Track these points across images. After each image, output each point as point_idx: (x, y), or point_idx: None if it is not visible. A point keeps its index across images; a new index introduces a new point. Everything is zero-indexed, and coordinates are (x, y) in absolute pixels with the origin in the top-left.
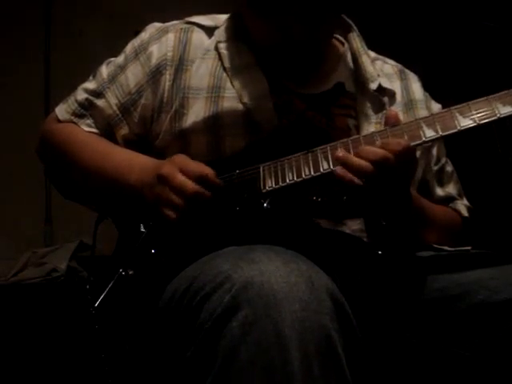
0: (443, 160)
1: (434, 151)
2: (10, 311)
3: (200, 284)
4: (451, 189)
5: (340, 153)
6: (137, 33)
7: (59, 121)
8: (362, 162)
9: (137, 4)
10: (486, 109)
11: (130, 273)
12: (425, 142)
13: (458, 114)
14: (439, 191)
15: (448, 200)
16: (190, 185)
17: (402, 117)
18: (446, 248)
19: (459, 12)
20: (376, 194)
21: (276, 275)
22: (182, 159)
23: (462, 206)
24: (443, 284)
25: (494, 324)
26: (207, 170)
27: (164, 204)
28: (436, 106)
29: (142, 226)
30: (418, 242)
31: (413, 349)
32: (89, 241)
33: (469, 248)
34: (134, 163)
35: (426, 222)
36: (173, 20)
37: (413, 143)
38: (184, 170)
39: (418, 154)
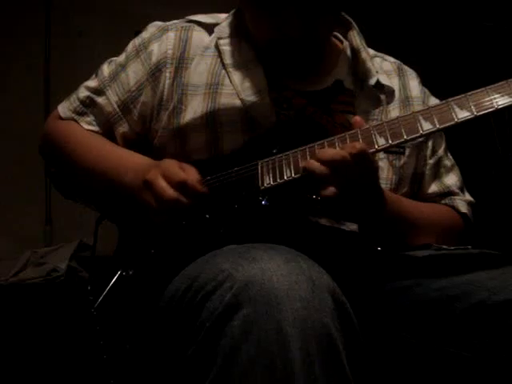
0: (440, 153)
1: (430, 143)
2: (10, 311)
3: (201, 283)
4: (449, 181)
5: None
6: (137, 33)
7: (61, 118)
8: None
9: (137, 4)
10: (483, 100)
11: (130, 273)
12: (377, 151)
13: (455, 106)
14: (434, 186)
15: (444, 195)
16: (168, 191)
17: (398, 113)
18: (445, 247)
19: (459, 12)
20: (341, 196)
21: (277, 274)
22: (167, 164)
23: (461, 201)
24: (442, 284)
25: (492, 325)
26: (190, 177)
27: (148, 208)
28: (435, 102)
29: (140, 227)
30: (407, 245)
31: (412, 349)
32: (89, 241)
33: (468, 247)
34: (129, 163)
35: (412, 225)
36: (173, 20)
37: (370, 150)
38: (166, 176)
39: (407, 151)
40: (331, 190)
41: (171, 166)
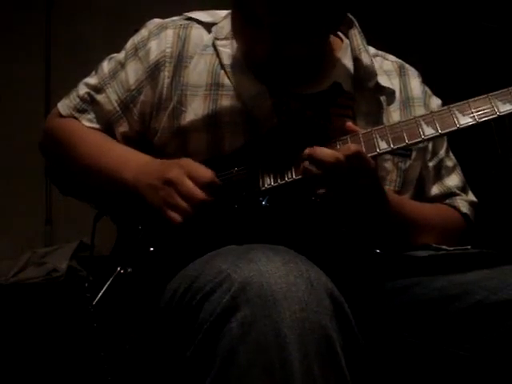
0: (441, 155)
1: (430, 147)
2: (10, 311)
3: (200, 283)
4: (451, 182)
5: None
6: (136, 32)
7: (61, 116)
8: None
9: (137, 4)
10: (485, 107)
11: (129, 270)
12: (379, 154)
13: (457, 112)
14: (435, 188)
15: (445, 196)
16: (199, 192)
17: (398, 114)
18: (444, 247)
19: (459, 12)
20: (338, 198)
21: (275, 275)
22: (189, 163)
23: (463, 201)
24: (442, 284)
25: (492, 324)
26: (214, 177)
27: (170, 207)
28: (436, 102)
29: (139, 224)
30: (409, 245)
31: (411, 348)
32: (89, 241)
33: (468, 247)
34: (129, 160)
35: (413, 226)
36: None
37: (369, 154)
38: (192, 176)
39: (414, 154)
40: (327, 191)
41: (194, 165)
